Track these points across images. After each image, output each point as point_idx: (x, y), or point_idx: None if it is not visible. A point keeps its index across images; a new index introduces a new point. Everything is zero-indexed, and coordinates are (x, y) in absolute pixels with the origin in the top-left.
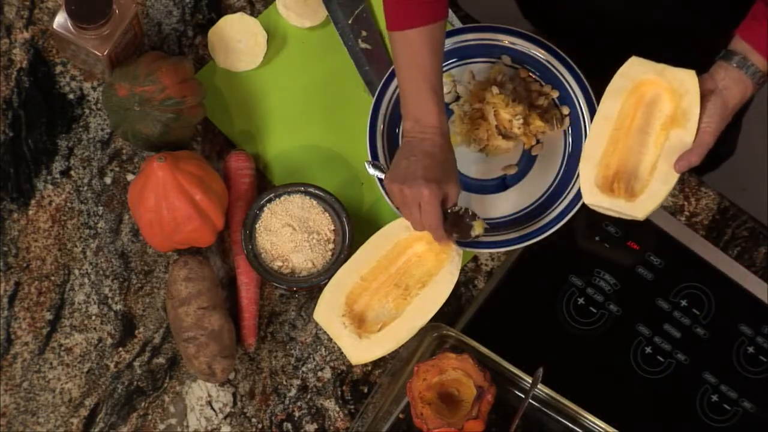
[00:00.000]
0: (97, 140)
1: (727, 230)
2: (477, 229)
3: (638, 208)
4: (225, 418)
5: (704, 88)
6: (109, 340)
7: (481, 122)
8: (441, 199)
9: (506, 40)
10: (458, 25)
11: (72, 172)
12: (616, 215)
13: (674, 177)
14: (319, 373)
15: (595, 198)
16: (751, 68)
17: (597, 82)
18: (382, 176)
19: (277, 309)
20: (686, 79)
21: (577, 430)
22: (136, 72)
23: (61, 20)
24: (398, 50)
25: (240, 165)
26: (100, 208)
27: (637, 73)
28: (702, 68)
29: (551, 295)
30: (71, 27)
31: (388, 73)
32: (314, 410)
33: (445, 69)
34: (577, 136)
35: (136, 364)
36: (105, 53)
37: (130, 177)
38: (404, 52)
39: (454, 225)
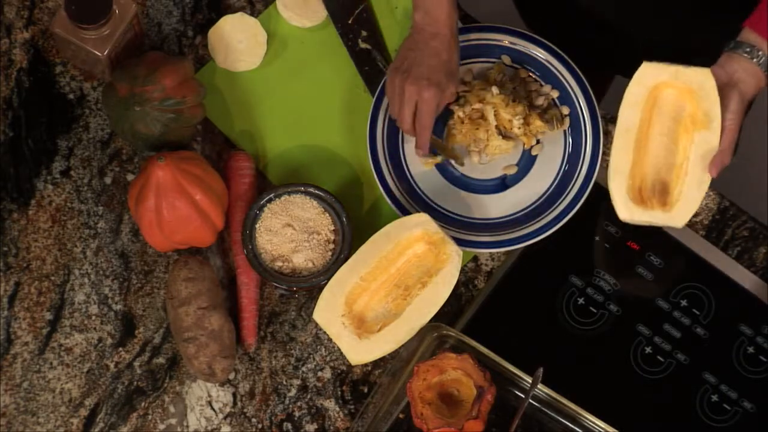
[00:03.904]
0: (97, 140)
1: (727, 230)
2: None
3: (677, 218)
4: (225, 418)
5: (719, 82)
6: (109, 340)
7: (481, 122)
8: (438, 102)
9: (506, 40)
10: (458, 25)
11: (72, 172)
12: (652, 225)
13: (707, 181)
14: (319, 373)
15: (631, 214)
16: (763, 59)
17: (597, 83)
18: None
19: (277, 309)
20: (703, 79)
21: (577, 430)
22: (136, 72)
23: (61, 20)
24: None
25: (240, 165)
26: (100, 208)
27: (651, 78)
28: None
29: (551, 295)
30: (71, 27)
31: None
32: (314, 410)
33: None
34: (577, 136)
35: (136, 364)
36: (105, 53)
37: (130, 177)
38: None
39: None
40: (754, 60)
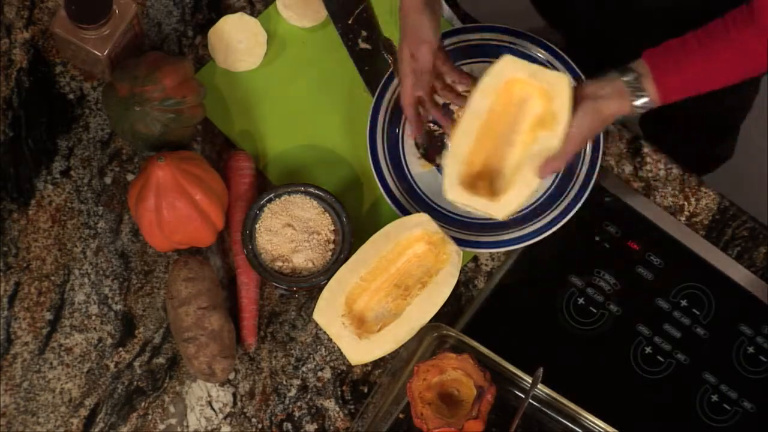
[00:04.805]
0: (97, 140)
1: (727, 230)
2: (444, 156)
3: (498, 210)
4: (225, 418)
5: (583, 93)
6: (109, 340)
7: None
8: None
9: (506, 40)
10: (458, 25)
11: (72, 172)
12: (479, 212)
13: (536, 180)
14: (319, 373)
15: (455, 194)
16: (640, 93)
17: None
18: None
19: (277, 309)
20: (559, 81)
21: (577, 430)
22: (136, 72)
23: (61, 20)
24: None
25: (240, 165)
26: (100, 208)
27: (509, 72)
28: None
29: (551, 295)
30: (71, 27)
31: (388, 73)
32: (314, 410)
33: None
34: None
35: (136, 364)
36: (105, 53)
37: (130, 177)
38: None
39: (424, 141)
40: (630, 89)
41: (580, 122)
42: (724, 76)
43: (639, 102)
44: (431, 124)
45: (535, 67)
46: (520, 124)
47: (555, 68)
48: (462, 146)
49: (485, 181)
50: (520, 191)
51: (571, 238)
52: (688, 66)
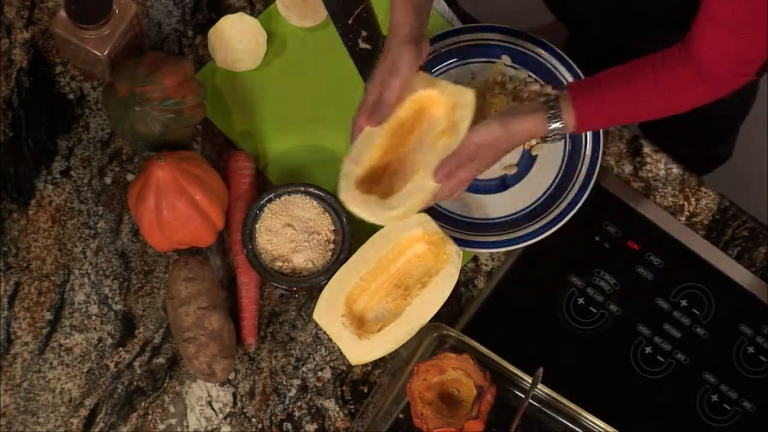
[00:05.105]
0: (97, 140)
1: (727, 230)
2: None
3: (387, 215)
4: (225, 418)
5: (503, 110)
6: (109, 340)
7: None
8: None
9: (506, 40)
10: (458, 25)
11: (72, 172)
12: (369, 219)
13: (431, 184)
14: (319, 373)
15: (349, 198)
16: (555, 116)
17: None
18: None
19: (277, 309)
20: (464, 94)
21: (577, 430)
22: (136, 72)
23: (61, 20)
24: None
25: (240, 165)
26: (100, 208)
27: (418, 86)
28: None
29: (551, 295)
30: (71, 27)
31: None
32: (314, 410)
33: (445, 69)
34: (578, 136)
35: (136, 364)
36: (105, 53)
37: (130, 177)
38: None
39: None
40: (546, 108)
41: (483, 129)
42: (644, 111)
43: (553, 125)
44: None
45: (444, 82)
46: (423, 136)
47: (555, 68)
48: (363, 150)
49: (380, 186)
50: (413, 199)
51: (571, 238)
52: (608, 97)
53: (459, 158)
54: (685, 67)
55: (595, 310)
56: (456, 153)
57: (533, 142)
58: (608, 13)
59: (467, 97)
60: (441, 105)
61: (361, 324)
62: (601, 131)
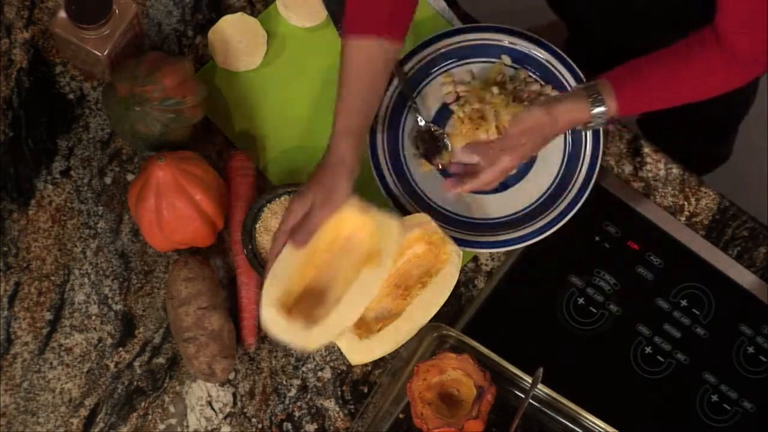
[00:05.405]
0: (97, 140)
1: (727, 230)
2: (444, 157)
3: (311, 338)
4: (225, 418)
5: (539, 103)
6: (109, 340)
7: (481, 122)
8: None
9: (506, 40)
10: (458, 25)
11: (72, 172)
12: (288, 343)
13: (355, 311)
14: (319, 373)
15: (270, 317)
16: (599, 107)
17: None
18: None
19: None
20: (391, 223)
21: (577, 430)
22: (136, 72)
23: (61, 20)
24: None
25: (240, 165)
26: (100, 208)
27: (349, 211)
28: None
29: (551, 295)
30: (71, 27)
31: None
32: (314, 410)
33: (445, 69)
34: (577, 136)
35: (136, 364)
36: (105, 53)
37: (130, 177)
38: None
39: (424, 141)
40: (587, 93)
41: (526, 115)
42: (681, 94)
43: (596, 110)
44: (431, 124)
45: (373, 209)
46: (346, 259)
47: (554, 68)
48: (284, 270)
49: (302, 308)
50: (334, 327)
51: (571, 238)
52: (646, 80)
53: (504, 144)
54: (715, 50)
55: (595, 310)
56: (501, 140)
57: None
58: (608, 13)
59: (393, 223)
60: (367, 232)
61: (361, 324)
62: (600, 130)
